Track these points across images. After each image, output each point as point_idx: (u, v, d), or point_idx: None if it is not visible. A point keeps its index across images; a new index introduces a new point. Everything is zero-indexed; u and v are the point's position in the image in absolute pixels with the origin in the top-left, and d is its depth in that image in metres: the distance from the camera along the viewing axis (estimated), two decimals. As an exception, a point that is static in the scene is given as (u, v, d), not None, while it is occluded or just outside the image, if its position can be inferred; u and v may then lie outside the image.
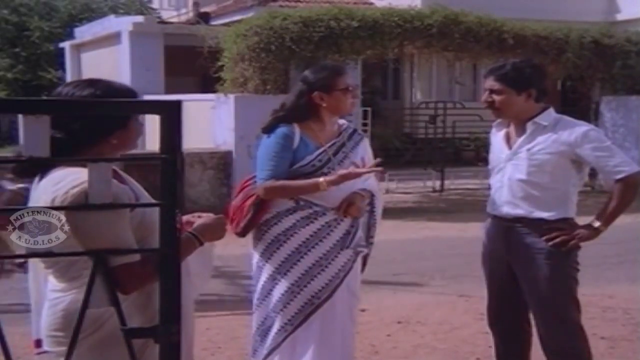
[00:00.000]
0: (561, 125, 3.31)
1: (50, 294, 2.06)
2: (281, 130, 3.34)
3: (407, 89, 18.01)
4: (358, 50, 10.60)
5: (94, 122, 2.03)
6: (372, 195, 3.48)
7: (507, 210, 3.39)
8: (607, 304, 5.72)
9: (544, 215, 3.30)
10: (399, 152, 13.59)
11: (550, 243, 3.28)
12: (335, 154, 3.38)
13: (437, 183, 12.09)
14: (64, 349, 1.98)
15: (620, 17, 16.93)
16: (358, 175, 3.26)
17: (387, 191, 11.15)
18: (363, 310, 5.08)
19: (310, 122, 3.38)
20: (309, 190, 3.30)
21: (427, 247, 7.99)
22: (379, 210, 3.54)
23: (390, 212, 9.46)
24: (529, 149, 3.32)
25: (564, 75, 13.49)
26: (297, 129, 3.35)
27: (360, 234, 3.42)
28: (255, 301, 3.46)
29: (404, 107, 16.47)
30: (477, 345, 4.62)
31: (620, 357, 4.61)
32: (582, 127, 3.32)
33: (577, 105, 13.58)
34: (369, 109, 13.26)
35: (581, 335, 3.40)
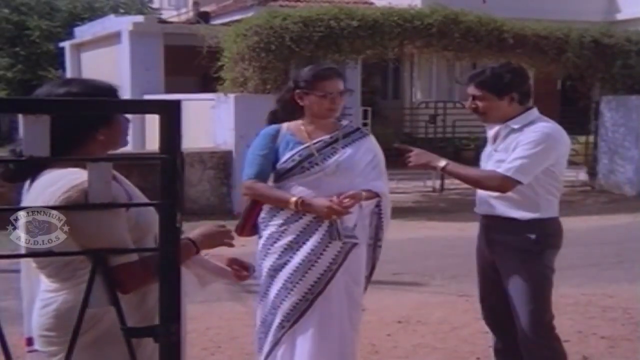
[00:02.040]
0: (529, 127, 3.34)
1: (42, 293, 2.05)
2: (266, 129, 3.43)
3: (407, 88, 18.01)
4: (358, 49, 10.60)
5: (75, 119, 2.01)
6: (379, 197, 3.43)
7: (486, 209, 3.48)
8: (607, 304, 5.72)
9: (516, 215, 3.35)
10: (399, 152, 13.57)
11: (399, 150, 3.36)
12: (321, 149, 3.36)
13: (437, 183, 12.09)
14: (55, 348, 1.99)
15: (620, 16, 16.94)
16: (335, 212, 3.20)
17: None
18: (363, 310, 5.08)
19: (299, 120, 3.42)
20: (279, 204, 3.34)
21: (427, 246, 7.99)
22: (387, 213, 3.49)
23: (390, 212, 9.46)
24: (497, 150, 3.41)
25: (564, 75, 13.50)
26: (284, 128, 3.41)
27: (347, 224, 3.34)
28: (257, 298, 3.49)
29: (404, 107, 16.46)
30: (477, 344, 4.62)
31: (620, 356, 4.61)
32: (536, 127, 3.32)
33: (577, 105, 13.58)
34: (369, 108, 13.26)
35: (553, 335, 3.44)
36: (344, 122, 3.54)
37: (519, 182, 3.24)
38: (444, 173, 3.37)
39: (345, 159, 3.37)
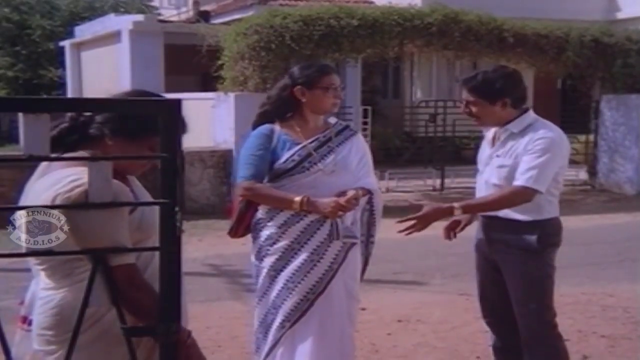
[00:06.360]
0: (528, 131, 3.32)
1: (41, 292, 2.05)
2: (259, 129, 3.40)
3: (407, 87, 18.01)
4: (358, 48, 10.60)
5: (145, 122, 2.04)
6: (370, 194, 3.44)
7: None
8: (607, 303, 5.72)
9: (517, 217, 3.35)
10: (399, 151, 13.58)
11: (401, 231, 3.28)
12: (317, 148, 3.36)
13: (438, 182, 12.09)
14: (53, 347, 1.98)
15: (620, 15, 16.93)
16: (342, 208, 3.21)
17: (388, 190, 11.14)
18: (363, 309, 5.08)
19: (292, 119, 3.41)
20: (281, 205, 3.32)
21: (427, 246, 7.97)
22: (378, 209, 3.49)
23: (391, 211, 9.43)
24: (498, 155, 3.39)
25: (564, 74, 13.50)
26: (277, 128, 3.39)
27: (347, 224, 3.36)
28: (255, 299, 3.48)
29: (404, 106, 16.46)
30: (477, 343, 4.62)
31: (620, 355, 4.61)
32: (539, 134, 3.30)
33: (578, 104, 13.58)
34: (369, 107, 13.28)
35: (555, 334, 3.43)
36: (332, 120, 3.54)
37: (539, 192, 3.22)
38: (466, 214, 3.39)
39: (342, 157, 3.39)
